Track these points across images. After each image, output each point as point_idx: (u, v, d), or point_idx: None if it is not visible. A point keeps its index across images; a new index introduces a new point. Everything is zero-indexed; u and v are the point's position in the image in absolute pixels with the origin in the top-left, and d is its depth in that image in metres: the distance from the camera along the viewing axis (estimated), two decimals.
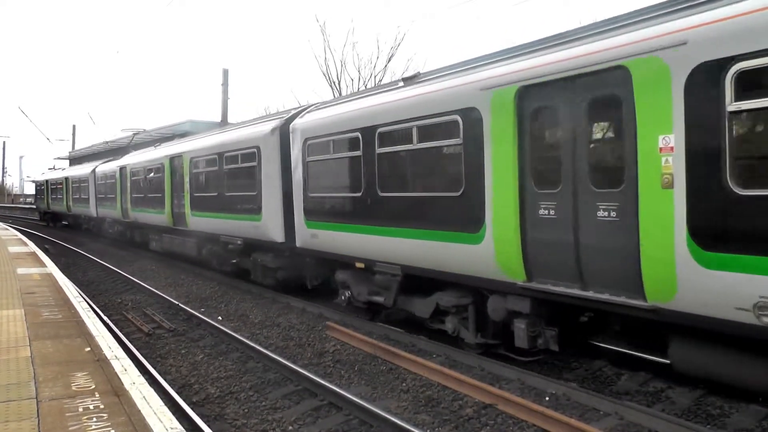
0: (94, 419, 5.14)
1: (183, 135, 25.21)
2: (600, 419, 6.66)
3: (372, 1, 57.41)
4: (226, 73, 30.49)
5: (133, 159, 24.83)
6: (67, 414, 5.27)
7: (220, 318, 12.63)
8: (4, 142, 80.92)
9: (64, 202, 38.23)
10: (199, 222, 17.39)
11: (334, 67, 34.26)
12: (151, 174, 21.78)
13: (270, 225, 13.50)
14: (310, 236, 11.89)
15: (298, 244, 12.48)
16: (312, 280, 13.40)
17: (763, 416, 6.49)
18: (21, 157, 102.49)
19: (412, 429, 6.39)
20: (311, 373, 8.43)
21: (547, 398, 7.31)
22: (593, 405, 6.97)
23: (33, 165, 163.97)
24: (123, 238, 27.38)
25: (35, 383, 6.13)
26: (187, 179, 18.19)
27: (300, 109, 13.88)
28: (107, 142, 40.46)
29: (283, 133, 13.12)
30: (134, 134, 32.44)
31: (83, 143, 64.67)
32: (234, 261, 16.08)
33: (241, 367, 9.29)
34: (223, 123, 28.16)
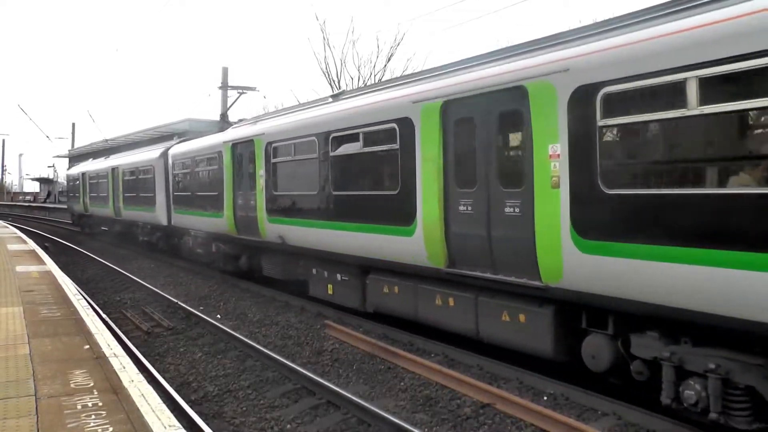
0: (93, 417, 5.14)
1: (182, 134, 23.45)
2: (598, 419, 6.67)
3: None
4: (225, 71, 30.43)
5: (274, 122, 13.53)
6: (66, 411, 5.27)
7: (218, 316, 12.64)
8: (3, 140, 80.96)
9: (111, 203, 26.98)
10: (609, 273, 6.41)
11: (333, 66, 34.20)
12: (357, 147, 10.32)
13: None
14: None
15: None
16: None
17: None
18: (20, 155, 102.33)
19: (410, 428, 6.40)
20: (309, 371, 8.45)
21: (545, 398, 7.32)
22: (591, 405, 6.98)
23: (32, 163, 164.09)
24: (231, 267, 16.32)
25: (34, 381, 6.13)
26: (551, 149, 7.03)
27: None
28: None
29: None
30: (240, 93, 19.77)
31: (83, 141, 64.58)
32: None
33: (240, 365, 9.30)
34: (223, 122, 28.08)
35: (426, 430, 6.68)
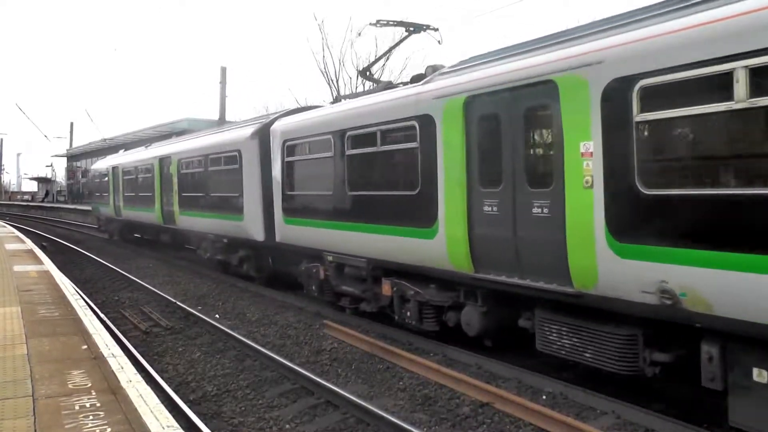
0: (91, 417, 5.13)
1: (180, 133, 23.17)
2: (597, 418, 6.67)
3: None
4: (224, 71, 30.51)
5: (645, 31, 5.93)
6: (64, 412, 5.26)
7: (217, 316, 12.62)
8: (1, 140, 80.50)
9: (157, 206, 20.15)
10: None
11: (332, 66, 34.06)
12: None
13: None
14: None
15: None
16: None
17: None
18: (18, 155, 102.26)
19: (409, 427, 6.39)
20: (308, 371, 8.44)
21: (543, 397, 7.32)
22: (590, 403, 6.97)
23: (30, 162, 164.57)
24: (428, 325, 9.36)
25: (31, 381, 6.11)
26: None
27: None
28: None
29: None
30: (408, 32, 12.30)
31: (81, 141, 64.54)
32: None
33: (238, 365, 9.29)
34: (221, 121, 28.07)
35: (425, 429, 6.67)
